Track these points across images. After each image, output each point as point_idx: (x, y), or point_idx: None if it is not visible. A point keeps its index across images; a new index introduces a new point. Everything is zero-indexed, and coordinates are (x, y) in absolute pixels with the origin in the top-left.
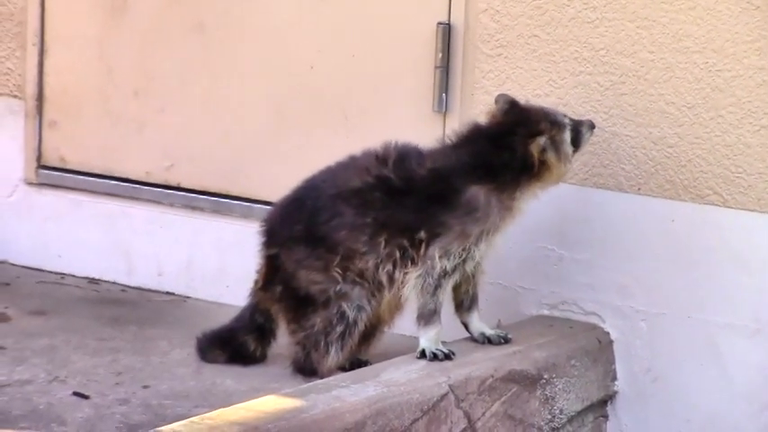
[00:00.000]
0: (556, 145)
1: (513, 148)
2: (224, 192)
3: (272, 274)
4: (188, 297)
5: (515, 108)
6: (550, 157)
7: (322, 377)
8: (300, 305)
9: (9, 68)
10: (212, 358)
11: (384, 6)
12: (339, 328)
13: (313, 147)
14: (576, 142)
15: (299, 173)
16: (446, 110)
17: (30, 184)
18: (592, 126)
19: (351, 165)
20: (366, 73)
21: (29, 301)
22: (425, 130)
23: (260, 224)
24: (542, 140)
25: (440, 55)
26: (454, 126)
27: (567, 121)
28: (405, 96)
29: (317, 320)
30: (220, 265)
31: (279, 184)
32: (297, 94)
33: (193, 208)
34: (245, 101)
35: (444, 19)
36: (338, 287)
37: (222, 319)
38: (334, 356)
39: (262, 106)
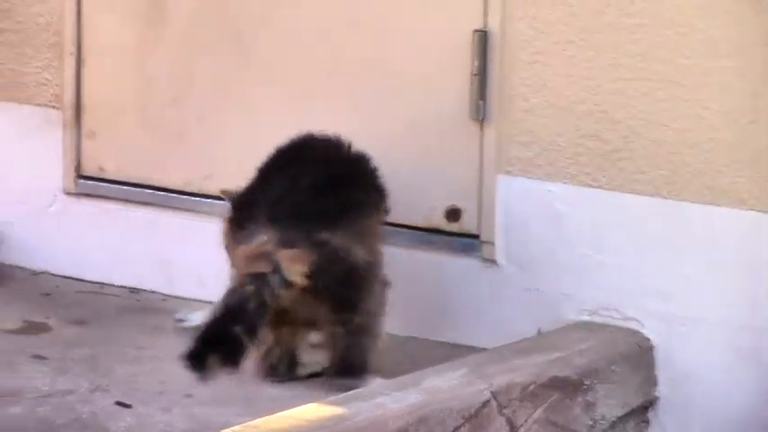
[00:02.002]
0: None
1: None
2: None
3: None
4: None
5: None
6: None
7: (370, 374)
8: (349, 290)
9: (47, 79)
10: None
11: (419, 14)
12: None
13: None
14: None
15: None
16: (483, 117)
17: (69, 194)
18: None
19: None
20: (403, 83)
21: (69, 311)
22: (463, 138)
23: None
24: None
25: (476, 62)
26: (492, 133)
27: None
28: (441, 104)
29: (370, 304)
30: None
31: None
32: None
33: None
34: (279, 109)
35: (480, 26)
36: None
37: None
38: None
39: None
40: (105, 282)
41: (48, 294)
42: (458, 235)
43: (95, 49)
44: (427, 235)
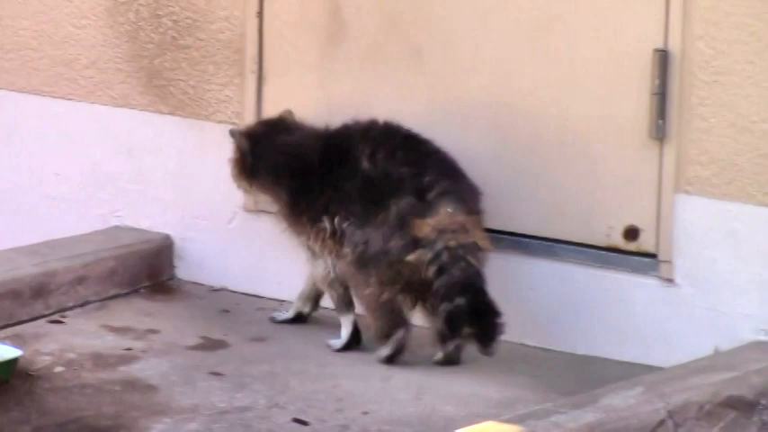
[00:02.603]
0: None
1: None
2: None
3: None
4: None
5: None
6: None
7: None
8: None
9: (228, 96)
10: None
11: (600, 34)
12: None
13: (533, 173)
14: None
15: (522, 199)
16: (663, 136)
17: (248, 210)
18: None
19: None
20: (582, 100)
21: (248, 328)
22: (642, 157)
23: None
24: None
25: (656, 81)
26: (671, 152)
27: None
28: (621, 123)
29: None
30: None
31: (504, 211)
32: (515, 121)
33: None
34: (463, 127)
35: (661, 45)
36: None
37: None
38: None
39: (480, 132)
40: (284, 299)
41: (226, 311)
42: (636, 254)
43: (277, 67)
44: (605, 254)
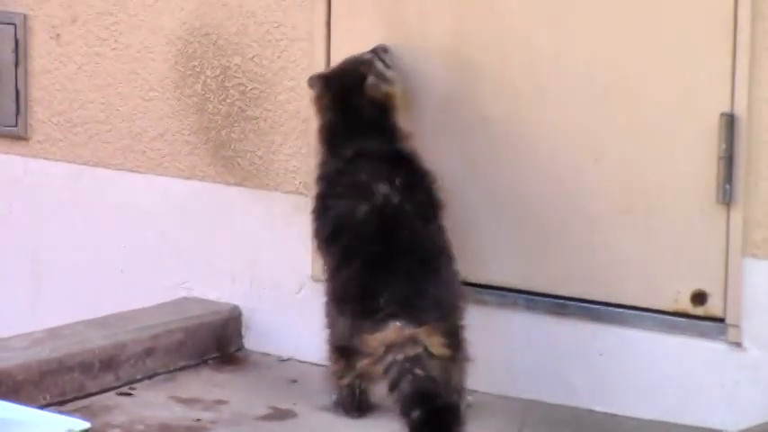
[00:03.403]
0: (381, 78)
1: (361, 106)
2: (516, 287)
3: None
4: None
5: (330, 78)
6: (386, 88)
7: None
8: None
9: (295, 166)
10: None
11: (666, 98)
12: None
13: (599, 242)
14: (388, 66)
15: (590, 266)
16: (730, 200)
17: (317, 280)
18: (385, 49)
19: None
20: (649, 166)
21: (316, 398)
22: (709, 222)
23: None
24: (371, 80)
25: (723, 145)
26: (738, 216)
27: (369, 54)
28: (688, 187)
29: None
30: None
31: (573, 278)
32: (581, 189)
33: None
34: (529, 194)
35: (727, 109)
36: None
37: None
38: None
39: (547, 199)
40: None
41: (295, 381)
42: (703, 318)
43: None
44: (673, 319)
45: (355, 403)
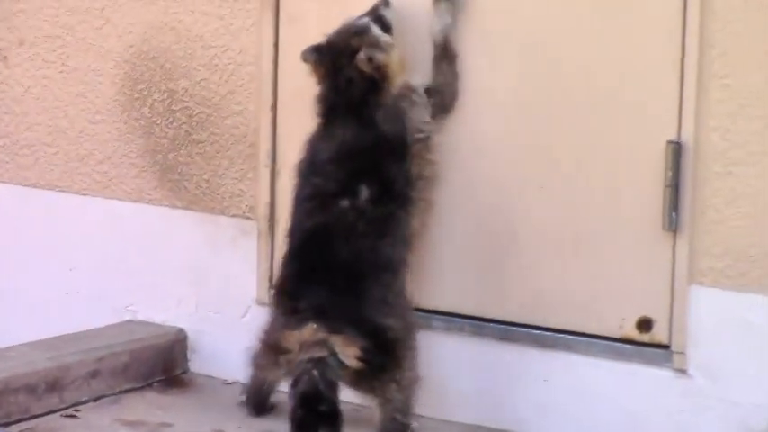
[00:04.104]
0: (375, 46)
1: (352, 80)
2: (463, 312)
3: None
4: None
5: (323, 50)
6: (380, 58)
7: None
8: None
9: (241, 190)
10: None
11: (614, 126)
12: None
13: (545, 268)
14: (386, 28)
15: (535, 292)
16: (676, 228)
17: (261, 304)
18: (386, 3)
19: None
20: (596, 193)
21: (261, 421)
22: (655, 249)
23: None
24: (362, 54)
25: (670, 173)
26: (684, 244)
27: (366, 19)
28: (635, 215)
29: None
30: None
31: (517, 304)
32: (527, 215)
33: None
34: (475, 220)
35: (674, 137)
36: None
37: None
38: None
39: (493, 226)
40: None
41: (240, 404)
42: (649, 345)
43: (290, 161)
44: (619, 345)
45: (261, 401)
